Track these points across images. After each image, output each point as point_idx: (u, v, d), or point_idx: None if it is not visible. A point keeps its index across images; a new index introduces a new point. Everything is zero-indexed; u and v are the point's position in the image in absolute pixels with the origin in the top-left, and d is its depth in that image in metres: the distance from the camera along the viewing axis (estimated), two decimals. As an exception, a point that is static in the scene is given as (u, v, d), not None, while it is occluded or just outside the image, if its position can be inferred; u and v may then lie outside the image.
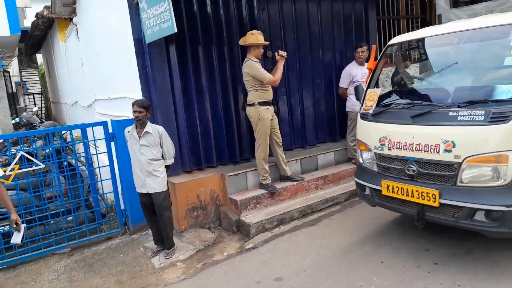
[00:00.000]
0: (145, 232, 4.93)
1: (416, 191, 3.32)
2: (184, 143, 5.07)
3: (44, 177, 4.95)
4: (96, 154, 5.13)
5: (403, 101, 3.79)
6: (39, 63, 18.41)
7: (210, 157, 5.33)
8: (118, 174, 5.04)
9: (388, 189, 3.54)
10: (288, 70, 5.73)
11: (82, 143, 5.59)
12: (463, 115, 3.08)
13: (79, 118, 9.32)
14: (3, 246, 4.53)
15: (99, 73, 7.10)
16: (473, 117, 3.03)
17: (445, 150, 3.13)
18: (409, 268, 3.39)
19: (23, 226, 3.53)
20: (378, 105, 3.84)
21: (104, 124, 5.03)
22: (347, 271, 3.49)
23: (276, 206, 4.91)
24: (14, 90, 16.69)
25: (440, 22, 6.27)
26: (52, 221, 4.84)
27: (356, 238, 4.09)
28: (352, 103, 5.82)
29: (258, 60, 4.86)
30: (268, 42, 5.02)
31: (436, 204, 3.19)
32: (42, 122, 9.90)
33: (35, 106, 13.35)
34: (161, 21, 4.27)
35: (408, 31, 7.65)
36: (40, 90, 17.97)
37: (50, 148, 4.91)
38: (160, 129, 4.23)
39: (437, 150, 3.18)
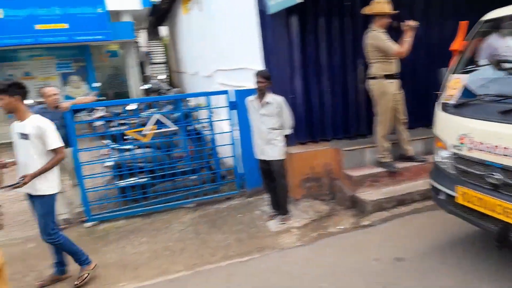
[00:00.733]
0: (260, 196, 5.22)
1: (499, 205, 2.70)
2: (300, 114, 5.14)
3: (173, 139, 5.53)
4: (218, 120, 5.53)
5: (492, 91, 3.01)
6: (163, 34, 20.05)
7: (325, 130, 5.34)
8: (237, 140, 5.36)
9: (463, 198, 2.99)
10: (417, 41, 5.33)
11: (203, 111, 6.06)
12: None
13: (199, 87, 10.03)
14: (141, 196, 5.23)
15: (220, 45, 7.49)
16: None
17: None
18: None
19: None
20: (462, 95, 3.16)
21: (226, 93, 5.35)
22: (473, 263, 3.27)
23: (395, 186, 4.74)
24: (142, 60, 18.48)
25: None
26: (180, 178, 5.41)
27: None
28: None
29: (383, 31, 4.62)
30: (397, 11, 4.72)
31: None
32: (168, 90, 10.91)
33: (160, 75, 14.71)
34: (286, -9, 4.30)
35: None
36: (163, 60, 19.66)
37: (179, 113, 5.42)
38: (280, 99, 4.34)
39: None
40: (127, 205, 5.26)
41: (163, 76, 13.24)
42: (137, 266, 3.90)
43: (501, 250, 3.07)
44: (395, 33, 4.79)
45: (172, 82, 14.83)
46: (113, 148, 5.41)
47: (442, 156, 3.33)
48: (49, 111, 4.86)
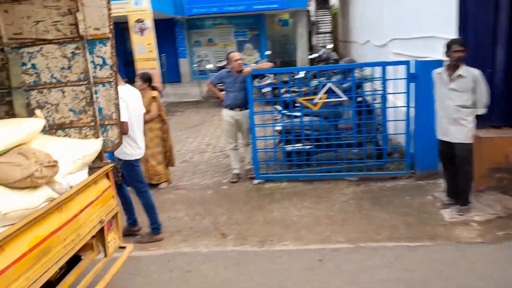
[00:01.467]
0: (432, 181, 4.73)
1: None
2: (498, 93, 4.35)
3: (342, 109, 5.41)
4: (392, 93, 5.14)
5: None
6: (332, 3, 19.68)
7: (527, 114, 4.42)
8: (412, 116, 4.91)
9: None
10: None
11: (376, 82, 5.71)
12: None
13: (368, 57, 9.55)
14: (305, 162, 5.34)
15: (400, 11, 6.86)
16: None
17: None
18: None
19: None
20: None
21: (407, 63, 4.89)
22: None
23: None
24: (310, 29, 18.59)
25: None
26: (344, 150, 5.30)
27: None
28: None
29: None
30: None
31: None
32: (336, 59, 10.76)
33: (328, 44, 14.62)
34: None
35: None
36: (329, 30, 19.41)
37: (350, 83, 5.23)
38: (476, 72, 3.74)
39: None
40: (291, 169, 5.45)
41: (331, 46, 13.06)
42: (299, 228, 4.02)
43: None
44: None
45: (337, 51, 14.56)
46: (283, 114, 5.61)
47: None
48: (232, 74, 5.29)
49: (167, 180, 5.49)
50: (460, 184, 3.94)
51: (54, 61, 3.02)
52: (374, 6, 8.92)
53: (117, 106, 3.03)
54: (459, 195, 3.99)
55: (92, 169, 2.87)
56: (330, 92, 5.19)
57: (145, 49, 10.38)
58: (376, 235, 3.72)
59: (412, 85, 4.83)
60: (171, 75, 15.63)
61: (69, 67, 3.02)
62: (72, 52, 3.00)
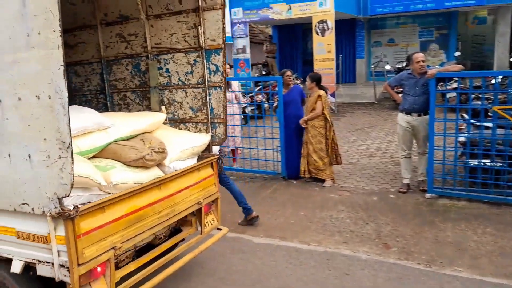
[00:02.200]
0: None
1: None
2: None
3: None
4: None
5: None
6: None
7: None
8: None
9: None
10: None
11: None
12: None
13: None
14: (493, 182, 4.58)
15: None
16: None
17: None
18: None
19: None
20: None
21: None
22: None
23: None
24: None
25: None
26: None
27: None
28: None
29: None
30: None
31: None
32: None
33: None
34: None
35: None
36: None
37: None
38: None
39: None
40: (473, 187, 4.77)
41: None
42: (477, 255, 3.51)
43: None
44: None
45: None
46: (470, 123, 4.94)
47: None
48: (413, 76, 4.94)
49: (332, 179, 5.54)
50: None
51: (181, 67, 3.55)
52: None
53: (224, 107, 3.41)
54: None
55: (201, 158, 3.30)
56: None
57: (324, 49, 10.62)
58: None
59: None
60: (347, 75, 15.59)
61: (191, 72, 3.51)
62: (194, 60, 3.48)
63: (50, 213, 2.07)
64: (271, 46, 14.48)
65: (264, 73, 13.73)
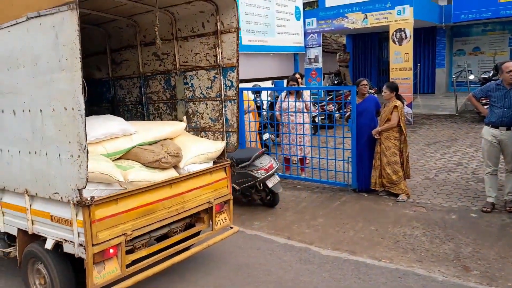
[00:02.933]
0: None
1: None
2: None
3: None
4: None
5: None
6: None
7: None
8: None
9: None
10: None
11: None
12: None
13: None
14: None
15: None
16: None
17: None
18: None
19: None
20: None
21: None
22: None
23: None
24: None
25: None
26: None
27: None
28: None
29: None
30: None
31: None
32: None
33: None
34: None
35: None
36: None
37: None
38: None
39: None
40: None
41: None
42: None
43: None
44: None
45: None
46: None
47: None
48: (502, 87, 4.56)
49: (407, 193, 5.28)
50: None
51: (203, 82, 3.99)
52: None
53: (237, 118, 3.80)
54: None
55: (216, 163, 3.70)
56: None
57: (401, 58, 10.20)
58: None
59: None
60: (425, 85, 14.77)
61: (211, 87, 3.94)
62: (214, 76, 3.90)
63: (72, 201, 2.57)
64: (345, 55, 14.23)
65: (335, 82, 13.53)
